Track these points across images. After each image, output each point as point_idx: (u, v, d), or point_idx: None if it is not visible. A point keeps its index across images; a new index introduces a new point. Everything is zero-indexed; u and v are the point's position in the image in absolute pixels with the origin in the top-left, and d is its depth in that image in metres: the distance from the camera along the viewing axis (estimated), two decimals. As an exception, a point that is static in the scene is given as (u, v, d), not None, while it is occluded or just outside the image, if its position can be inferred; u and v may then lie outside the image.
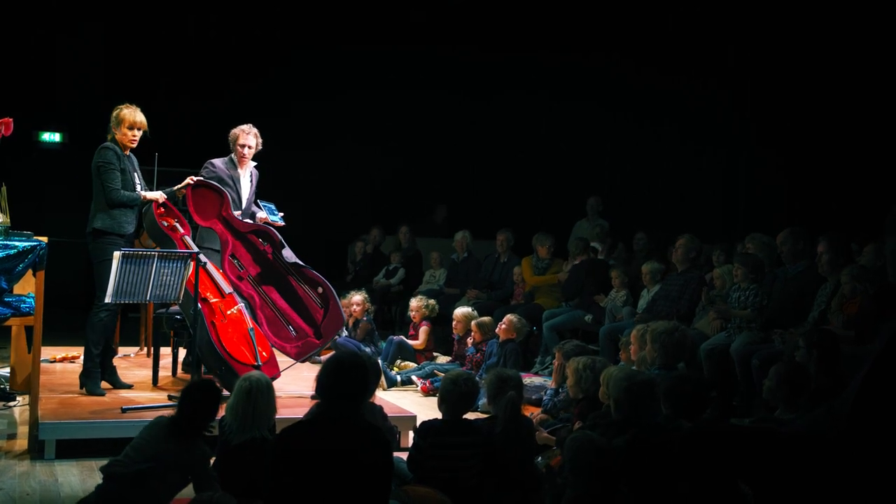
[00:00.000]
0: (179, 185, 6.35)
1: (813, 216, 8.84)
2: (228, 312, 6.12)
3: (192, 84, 10.94)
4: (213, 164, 6.66)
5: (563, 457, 3.74)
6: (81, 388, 5.97)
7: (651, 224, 9.68)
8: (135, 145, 6.09)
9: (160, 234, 6.21)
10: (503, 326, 7.51)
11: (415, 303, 8.53)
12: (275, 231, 6.62)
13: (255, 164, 6.83)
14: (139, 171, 6.20)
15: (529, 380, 6.96)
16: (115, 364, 6.30)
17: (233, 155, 6.72)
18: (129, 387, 6.12)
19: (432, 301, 8.55)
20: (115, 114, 6.02)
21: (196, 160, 6.77)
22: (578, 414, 5.21)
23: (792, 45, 9.36)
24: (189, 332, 5.96)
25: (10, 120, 5.80)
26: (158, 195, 6.17)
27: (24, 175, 9.56)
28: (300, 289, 6.60)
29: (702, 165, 10.32)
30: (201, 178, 6.48)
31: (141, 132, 6.04)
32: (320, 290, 6.56)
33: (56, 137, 11.25)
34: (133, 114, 5.99)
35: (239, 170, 6.70)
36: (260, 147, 6.76)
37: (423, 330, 8.32)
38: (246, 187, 6.74)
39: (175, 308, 6.52)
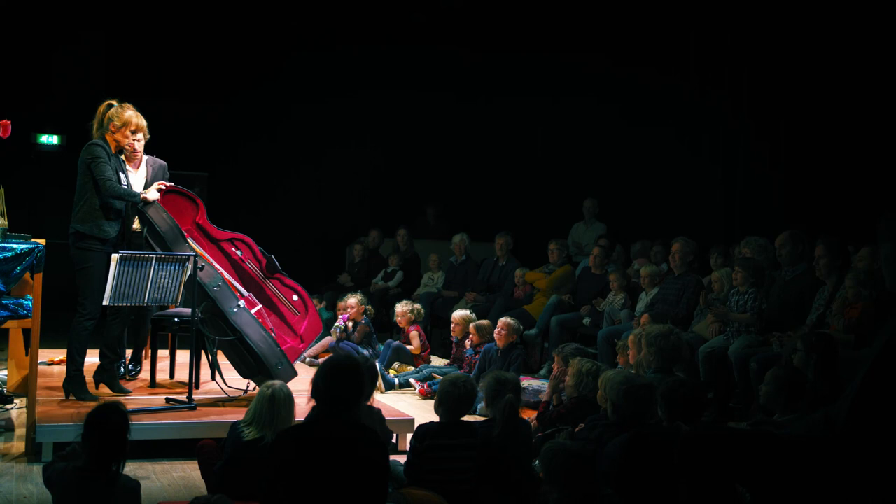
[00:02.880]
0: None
1: (811, 218, 8.84)
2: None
3: (191, 86, 10.94)
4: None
5: (541, 468, 3.73)
6: (67, 396, 5.83)
7: (648, 226, 9.68)
8: (132, 150, 5.95)
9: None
10: (503, 332, 7.46)
11: (400, 308, 8.50)
12: (250, 239, 6.51)
13: (152, 157, 6.41)
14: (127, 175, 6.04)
15: (528, 382, 6.96)
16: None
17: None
18: (128, 392, 6.09)
19: (417, 305, 8.55)
20: (112, 112, 5.80)
21: (195, 163, 6.76)
22: (566, 412, 5.21)
23: (791, 47, 9.35)
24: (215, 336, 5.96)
25: (9, 122, 5.79)
26: (156, 195, 6.02)
27: (22, 177, 9.56)
28: (274, 296, 6.56)
29: (700, 166, 10.31)
30: (173, 185, 6.20)
31: (143, 137, 5.91)
32: (295, 297, 6.51)
33: (54, 139, 11.24)
34: (138, 117, 5.84)
35: (127, 165, 6.21)
36: (147, 137, 6.20)
37: (413, 335, 8.31)
38: (137, 183, 6.25)
39: (173, 310, 6.52)
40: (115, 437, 3.51)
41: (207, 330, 5.99)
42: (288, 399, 4.21)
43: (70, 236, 5.87)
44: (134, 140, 5.90)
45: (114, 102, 5.87)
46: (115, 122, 5.82)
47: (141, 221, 6.10)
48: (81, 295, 5.81)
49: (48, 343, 6.51)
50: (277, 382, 4.30)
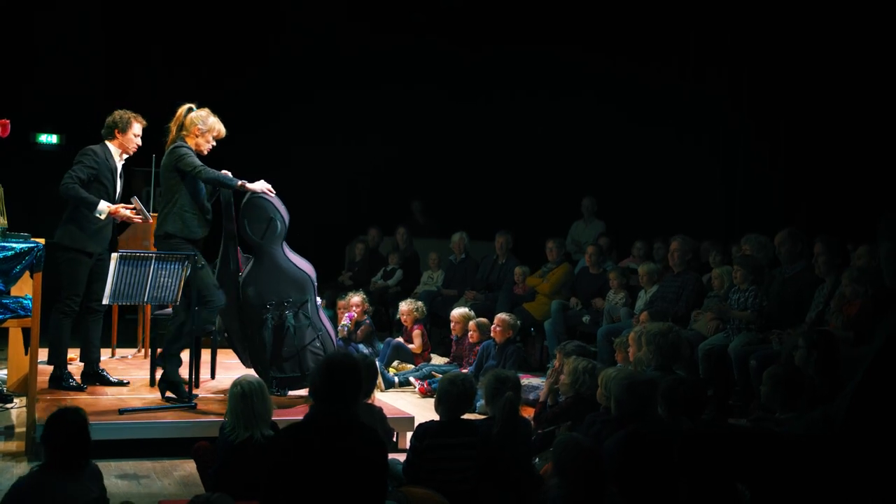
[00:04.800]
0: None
1: (810, 217, 8.84)
2: None
3: (189, 85, 10.92)
4: (94, 153, 6.19)
5: (552, 459, 3.75)
6: (164, 395, 5.86)
7: (647, 223, 9.67)
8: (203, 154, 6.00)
9: None
10: (497, 328, 7.49)
11: (405, 307, 8.49)
12: None
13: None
14: None
15: (527, 380, 6.96)
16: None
17: (111, 143, 6.26)
18: (195, 398, 5.95)
19: (420, 304, 8.56)
20: (195, 116, 5.87)
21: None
22: (561, 412, 5.21)
23: (791, 47, 9.36)
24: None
25: (7, 121, 5.80)
26: (264, 185, 6.09)
27: (21, 176, 9.54)
28: None
29: (700, 165, 10.32)
30: None
31: None
32: None
33: (53, 139, 11.24)
34: (219, 124, 5.94)
35: (118, 161, 6.30)
36: None
37: (416, 334, 8.31)
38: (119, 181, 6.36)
39: (171, 310, 6.51)
40: (75, 440, 3.54)
41: (298, 320, 6.07)
42: (260, 389, 4.24)
43: (156, 239, 5.87)
44: (211, 145, 5.97)
45: (193, 106, 5.93)
46: (201, 127, 5.88)
47: (236, 212, 6.09)
48: (204, 293, 5.78)
49: (48, 342, 6.51)
50: (245, 377, 4.33)
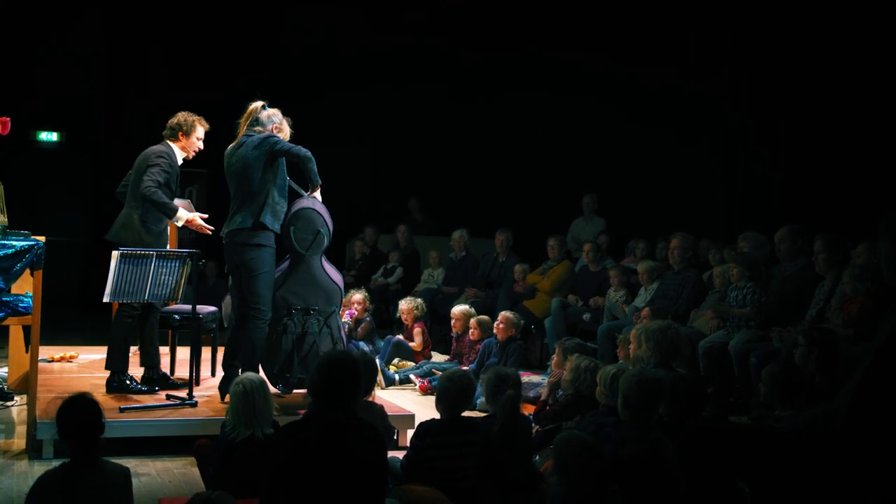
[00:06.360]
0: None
1: (810, 216, 8.84)
2: None
3: (189, 84, 10.93)
4: (168, 155, 6.16)
5: (552, 456, 3.74)
6: (223, 398, 5.70)
7: (648, 222, 9.67)
8: None
9: None
10: (501, 326, 7.52)
11: (405, 305, 8.49)
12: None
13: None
14: None
15: (528, 378, 6.96)
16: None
17: (175, 145, 6.25)
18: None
19: (420, 301, 8.56)
20: (272, 112, 5.96)
21: (194, 160, 6.72)
22: (560, 409, 5.21)
23: (791, 47, 9.35)
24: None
25: (8, 119, 5.80)
26: None
27: (21, 174, 9.56)
28: None
29: (700, 164, 10.31)
30: None
31: None
32: None
33: (54, 136, 11.24)
34: (289, 130, 6.01)
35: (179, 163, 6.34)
36: None
37: (416, 332, 8.32)
38: None
39: (173, 307, 6.51)
40: (93, 427, 3.52)
41: (320, 330, 6.08)
42: (261, 387, 4.23)
43: (240, 232, 5.72)
44: None
45: (265, 104, 5.97)
46: (278, 125, 5.94)
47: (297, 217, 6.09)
48: (258, 299, 5.73)
49: (48, 340, 6.51)
50: (246, 375, 4.32)
